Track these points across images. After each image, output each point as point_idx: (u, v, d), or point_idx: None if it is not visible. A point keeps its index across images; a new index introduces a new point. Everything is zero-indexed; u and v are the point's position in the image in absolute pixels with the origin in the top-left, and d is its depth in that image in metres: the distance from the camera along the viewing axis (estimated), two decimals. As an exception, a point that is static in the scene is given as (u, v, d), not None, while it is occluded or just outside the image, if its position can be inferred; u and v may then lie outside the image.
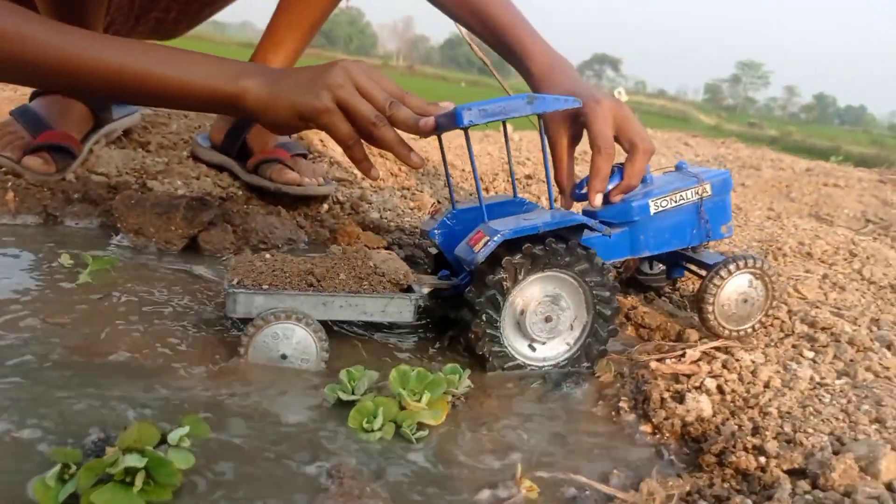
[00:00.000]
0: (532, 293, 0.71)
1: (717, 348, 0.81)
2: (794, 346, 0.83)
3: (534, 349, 0.74)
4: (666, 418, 0.64)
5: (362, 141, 0.75)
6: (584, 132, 0.85)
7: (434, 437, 0.59)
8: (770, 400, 0.68)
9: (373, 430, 0.58)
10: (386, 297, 0.70)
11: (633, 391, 0.70)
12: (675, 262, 0.89)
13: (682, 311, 0.91)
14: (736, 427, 0.63)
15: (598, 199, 0.81)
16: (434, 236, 0.81)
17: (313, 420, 0.59)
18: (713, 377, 0.72)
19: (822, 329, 0.86)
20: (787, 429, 0.62)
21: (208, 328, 0.74)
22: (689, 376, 0.72)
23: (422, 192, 1.36)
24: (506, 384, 0.70)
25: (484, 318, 0.70)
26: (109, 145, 1.30)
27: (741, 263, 0.78)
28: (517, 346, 0.73)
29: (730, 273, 0.78)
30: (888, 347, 0.83)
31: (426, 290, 0.75)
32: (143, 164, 1.26)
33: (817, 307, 0.95)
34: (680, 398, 0.67)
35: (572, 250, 0.70)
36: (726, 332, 0.80)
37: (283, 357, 0.67)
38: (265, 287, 0.67)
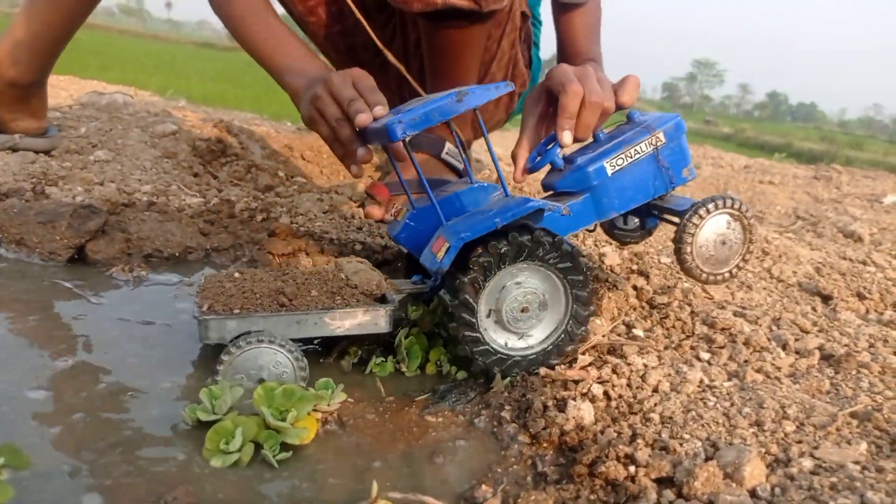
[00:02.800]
0: (505, 287, 0.70)
1: (612, 350, 0.80)
2: (691, 348, 0.83)
3: (515, 340, 0.72)
4: (544, 428, 0.63)
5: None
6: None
7: (298, 457, 0.57)
8: (655, 405, 0.67)
9: (230, 453, 0.55)
10: (360, 310, 0.68)
11: (517, 400, 0.68)
12: (648, 212, 0.87)
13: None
14: (615, 434, 0.62)
15: (566, 137, 0.80)
16: (400, 241, 0.80)
17: (166, 443, 0.56)
18: (601, 383, 0.71)
19: (721, 330, 0.86)
20: (665, 435, 0.61)
21: (68, 346, 0.70)
22: (577, 382, 0.71)
23: (342, 194, 1.33)
24: (388, 398, 0.68)
25: (460, 320, 0.68)
26: (7, 150, 1.23)
27: (719, 203, 0.76)
28: (498, 339, 0.72)
29: (708, 212, 0.76)
30: (783, 347, 0.83)
31: (399, 298, 0.73)
32: (46, 170, 1.21)
33: (722, 307, 0.95)
34: (562, 406, 0.66)
35: (538, 240, 0.68)
36: (704, 275, 0.79)
37: (261, 381, 0.63)
38: (236, 311, 0.65)
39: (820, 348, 0.83)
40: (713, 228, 0.77)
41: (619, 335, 0.84)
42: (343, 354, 0.76)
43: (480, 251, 0.67)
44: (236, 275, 0.72)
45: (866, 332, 0.88)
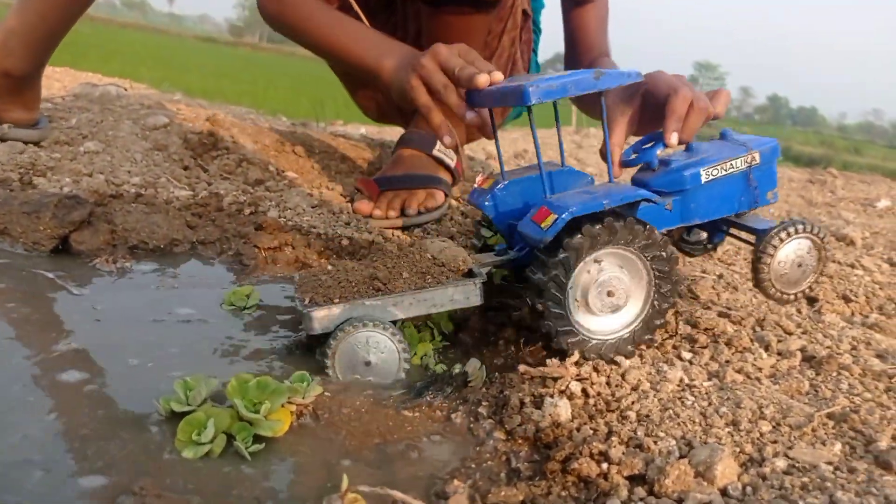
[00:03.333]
0: (594, 269, 0.72)
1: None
2: (674, 348, 0.83)
3: (598, 323, 0.74)
4: (520, 424, 0.63)
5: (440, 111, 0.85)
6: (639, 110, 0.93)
7: (270, 450, 0.56)
8: (632, 403, 0.67)
9: (202, 444, 0.54)
10: (451, 287, 0.72)
11: (495, 396, 0.68)
12: (717, 227, 0.89)
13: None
14: (590, 432, 0.61)
15: (673, 138, 0.83)
16: (484, 207, 0.82)
17: (139, 433, 0.56)
18: (579, 380, 0.71)
19: (705, 330, 0.86)
20: (640, 433, 0.61)
21: (44, 336, 0.70)
22: (556, 379, 0.71)
23: (332, 189, 1.33)
24: (364, 392, 0.68)
25: (549, 296, 0.70)
26: (-5, 140, 1.23)
27: (800, 228, 0.80)
28: (581, 321, 0.73)
29: (789, 236, 0.79)
30: (766, 348, 0.83)
31: (485, 271, 0.75)
32: (34, 160, 1.20)
33: (707, 308, 0.95)
34: (539, 403, 0.66)
35: (631, 226, 0.70)
36: (775, 292, 0.82)
37: (367, 364, 0.69)
38: (336, 300, 0.69)
39: (802, 350, 0.83)
40: (793, 250, 0.81)
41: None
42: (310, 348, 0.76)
43: (578, 231, 0.69)
44: (329, 268, 0.76)
45: (850, 334, 0.88)
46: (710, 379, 0.74)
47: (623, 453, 0.57)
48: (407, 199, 1.19)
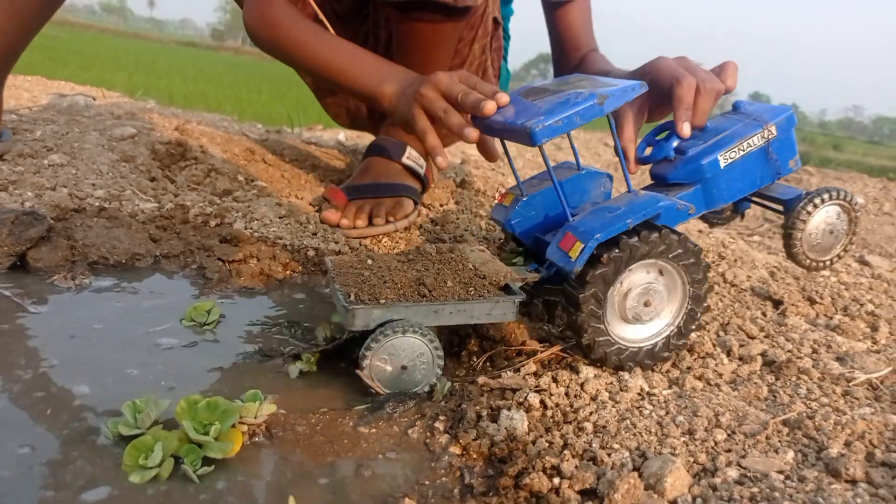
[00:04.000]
0: (631, 281, 0.73)
1: (559, 359, 0.80)
2: (636, 355, 0.83)
3: (634, 332, 0.76)
4: (475, 438, 0.62)
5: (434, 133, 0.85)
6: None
7: (220, 472, 0.56)
8: (590, 414, 0.66)
9: (149, 468, 0.54)
10: (492, 301, 0.72)
11: (453, 410, 0.68)
12: (742, 198, 0.89)
13: (530, 322, 0.89)
14: (546, 445, 0.61)
15: (686, 128, 0.84)
16: (509, 226, 0.84)
17: (87, 458, 0.55)
18: (538, 391, 0.70)
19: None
20: (595, 445, 0.61)
21: None
22: (515, 391, 0.71)
23: (301, 198, 1.32)
24: (322, 407, 0.67)
25: (588, 310, 0.71)
26: (-44, 155, 1.21)
27: (833, 194, 0.80)
28: (618, 331, 0.75)
29: (822, 202, 0.80)
30: (727, 353, 0.83)
31: (519, 285, 0.76)
32: (-4, 175, 1.18)
33: (672, 312, 0.95)
34: (496, 416, 0.65)
35: (666, 237, 0.71)
36: (808, 261, 0.83)
37: (403, 368, 0.69)
38: (382, 301, 0.70)
39: (763, 354, 0.83)
40: (823, 217, 0.81)
41: (566, 341, 0.83)
42: (295, 359, 0.75)
43: (615, 246, 0.70)
44: (369, 262, 0.76)
45: (811, 337, 0.89)
46: (670, 387, 0.74)
47: (576, 467, 0.57)
48: (375, 208, 1.18)
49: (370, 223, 1.17)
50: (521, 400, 0.69)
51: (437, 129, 0.85)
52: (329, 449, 0.61)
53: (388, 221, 1.17)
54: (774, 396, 0.73)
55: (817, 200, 0.80)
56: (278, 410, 0.65)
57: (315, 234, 1.13)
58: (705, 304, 0.76)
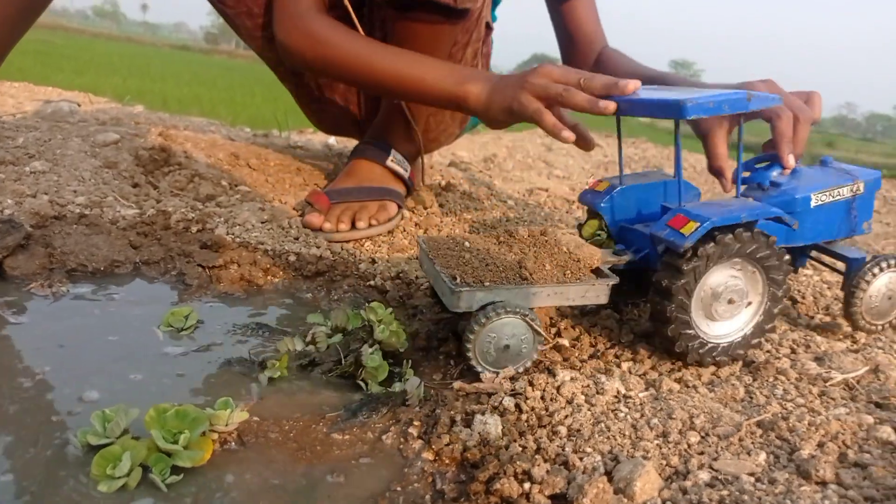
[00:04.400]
0: (718, 278, 0.76)
1: (537, 363, 0.80)
2: (615, 357, 0.83)
3: (714, 328, 0.78)
4: (448, 444, 0.62)
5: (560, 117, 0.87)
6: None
7: (189, 480, 0.55)
8: (565, 418, 0.66)
9: (116, 478, 0.53)
10: (587, 284, 0.76)
11: (427, 415, 0.68)
12: (802, 252, 0.92)
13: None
14: (519, 449, 0.61)
15: (791, 160, 0.89)
16: (600, 209, 0.87)
17: (57, 467, 0.55)
18: (513, 395, 0.70)
19: (647, 338, 0.86)
20: (568, 449, 0.61)
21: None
22: (490, 395, 0.71)
23: (284, 203, 1.32)
24: (296, 414, 0.67)
25: (677, 303, 0.74)
26: (-64, 162, 1.20)
27: (892, 262, 0.84)
28: (702, 325, 0.77)
29: (881, 270, 0.84)
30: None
31: (608, 268, 0.79)
32: (-24, 182, 1.18)
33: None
34: (470, 421, 0.65)
35: (757, 237, 0.74)
36: (863, 323, 0.86)
37: (506, 347, 0.73)
38: (486, 283, 0.73)
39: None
40: (885, 283, 0.85)
41: (545, 344, 0.83)
42: (263, 367, 0.75)
43: (710, 240, 0.72)
44: (467, 245, 0.80)
45: (791, 337, 0.89)
46: (647, 389, 0.74)
47: (547, 472, 0.56)
48: (358, 212, 1.18)
49: (353, 227, 1.16)
50: (496, 404, 0.69)
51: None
52: (301, 456, 0.61)
53: (371, 225, 1.17)
54: (751, 397, 0.73)
55: (883, 265, 0.84)
56: (251, 418, 0.64)
57: (297, 238, 1.13)
58: (781, 305, 0.79)
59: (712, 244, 0.72)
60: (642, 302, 0.96)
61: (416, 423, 0.66)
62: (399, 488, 0.57)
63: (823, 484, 0.55)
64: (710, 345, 0.77)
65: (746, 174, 0.93)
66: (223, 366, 0.76)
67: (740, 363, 0.81)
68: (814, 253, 0.95)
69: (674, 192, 0.86)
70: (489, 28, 1.39)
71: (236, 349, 0.80)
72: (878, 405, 0.71)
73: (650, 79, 1.22)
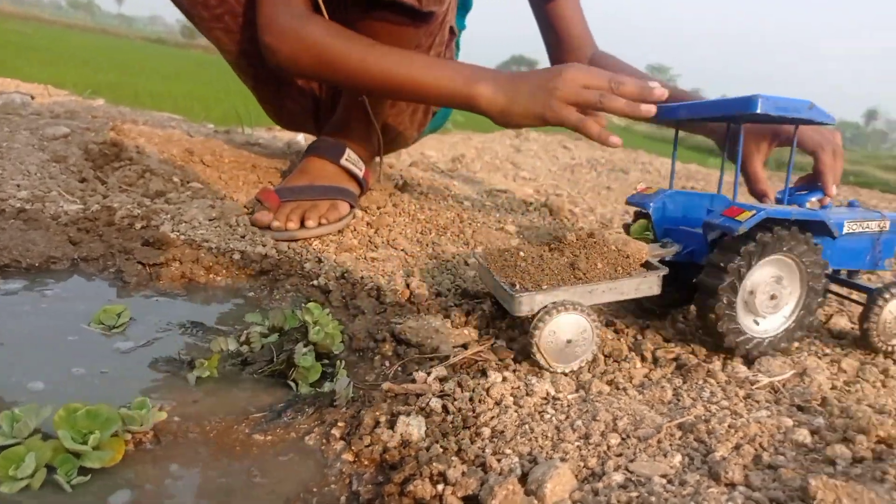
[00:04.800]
0: (761, 274, 0.80)
1: (472, 363, 0.80)
2: (551, 359, 0.83)
3: (757, 323, 0.83)
4: (368, 445, 0.62)
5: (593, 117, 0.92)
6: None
7: (97, 482, 0.54)
8: (491, 419, 0.66)
9: (18, 479, 0.52)
10: (639, 277, 0.80)
11: (352, 416, 0.67)
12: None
13: (449, 328, 0.89)
14: (440, 451, 0.61)
15: (834, 190, 1.01)
16: (650, 208, 0.91)
17: (-46, 470, 0.53)
18: (441, 396, 0.70)
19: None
20: (488, 451, 0.61)
21: None
22: (419, 396, 0.71)
23: (236, 200, 1.30)
24: (219, 414, 0.66)
25: (724, 301, 0.78)
26: None
27: None
28: (745, 322, 0.82)
29: (893, 295, 0.88)
30: (642, 358, 0.84)
31: (655, 260, 0.84)
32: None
33: (594, 316, 0.96)
34: (394, 422, 0.65)
35: (795, 235, 0.79)
36: (881, 344, 0.90)
37: (569, 342, 0.77)
38: (544, 287, 0.77)
39: (676, 358, 0.84)
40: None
41: (481, 346, 0.83)
42: (192, 366, 0.74)
43: (751, 240, 0.77)
44: (521, 253, 0.84)
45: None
46: (577, 390, 0.75)
47: (462, 473, 0.56)
48: (308, 211, 1.17)
49: (302, 225, 1.15)
50: (423, 405, 0.69)
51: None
52: (220, 456, 0.60)
53: (320, 224, 1.16)
54: (678, 399, 0.74)
55: (887, 294, 0.88)
56: (171, 418, 0.63)
57: (244, 236, 1.12)
58: (820, 299, 0.83)
59: (754, 243, 0.77)
60: (684, 305, 1.00)
61: (340, 424, 0.66)
62: (315, 489, 0.57)
63: (732, 486, 0.56)
64: (755, 340, 0.82)
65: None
66: (151, 365, 0.74)
67: (674, 365, 0.83)
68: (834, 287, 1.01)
69: (720, 203, 0.93)
70: (452, 33, 1.39)
71: (167, 348, 0.78)
72: (799, 408, 0.73)
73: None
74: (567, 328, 0.76)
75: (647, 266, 0.82)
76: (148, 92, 4.73)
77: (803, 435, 0.65)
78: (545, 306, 0.76)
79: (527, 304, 0.76)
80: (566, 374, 0.78)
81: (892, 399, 0.79)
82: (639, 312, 0.99)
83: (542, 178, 2.59)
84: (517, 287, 0.77)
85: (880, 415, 0.72)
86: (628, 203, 0.97)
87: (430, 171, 1.90)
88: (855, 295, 1.02)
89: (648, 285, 0.81)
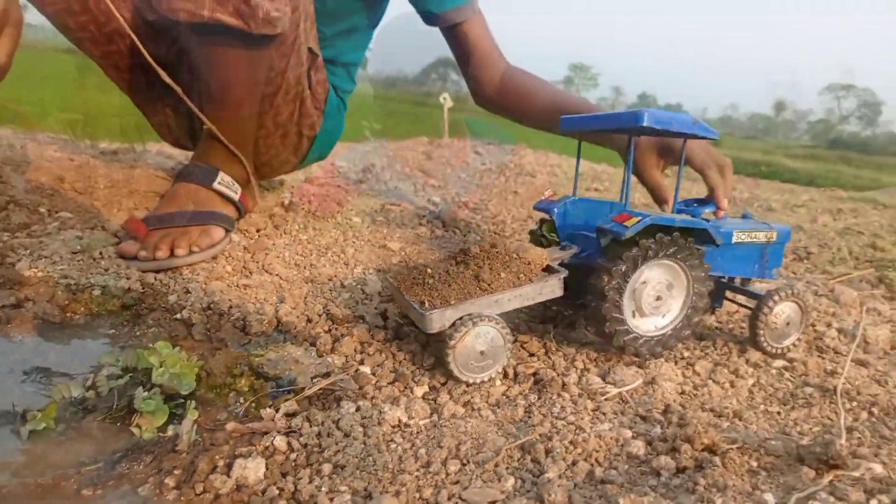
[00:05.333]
0: (647, 277, 0.85)
1: (328, 393, 0.79)
2: (414, 381, 0.83)
3: (646, 322, 0.87)
4: (201, 493, 0.60)
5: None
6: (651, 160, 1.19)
7: None
8: (335, 453, 0.66)
9: None
10: (541, 282, 0.83)
11: (191, 462, 0.65)
12: (720, 294, 1.03)
13: (309, 359, 0.88)
14: (276, 493, 0.60)
15: (726, 203, 1.07)
16: (553, 214, 0.96)
17: None
18: (288, 433, 0.69)
19: (441, 363, 0.88)
20: (324, 489, 0.60)
21: None
22: (265, 434, 0.70)
23: (106, 230, 1.25)
24: (48, 470, 0.63)
25: (611, 302, 0.82)
26: None
27: (789, 292, 0.95)
28: (633, 321, 0.86)
29: (780, 299, 0.94)
30: (504, 374, 0.86)
31: (555, 264, 0.87)
32: None
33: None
34: (232, 465, 0.64)
35: (677, 241, 0.83)
36: (769, 347, 0.95)
37: (482, 353, 0.80)
38: (452, 302, 0.79)
39: (535, 374, 0.86)
40: (781, 310, 0.95)
41: (346, 371, 0.83)
42: (24, 419, 0.70)
43: (634, 247, 0.82)
44: (429, 270, 0.86)
45: (585, 352, 0.93)
46: (430, 415, 0.75)
47: (289, 517, 0.56)
48: (178, 238, 1.14)
49: (172, 254, 1.12)
50: (267, 444, 0.67)
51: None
52: (38, 518, 0.57)
53: (192, 251, 1.13)
54: (529, 416, 0.75)
55: (776, 297, 0.94)
56: (-11, 479, 0.60)
57: (107, 270, 1.07)
58: (705, 300, 0.89)
59: (651, 240, 0.81)
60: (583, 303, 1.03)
61: (176, 471, 0.64)
62: (137, 547, 0.55)
63: (554, 507, 0.57)
64: (643, 339, 0.86)
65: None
66: (-19, 420, 0.70)
67: (532, 381, 0.84)
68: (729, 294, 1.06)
69: (618, 209, 0.95)
70: (314, 54, 1.37)
71: (1, 401, 0.74)
72: (642, 418, 0.75)
73: (553, 97, 1.35)
74: (479, 340, 0.79)
75: (549, 270, 0.86)
76: (57, 106, 4.48)
77: (638, 447, 0.67)
78: (455, 322, 0.78)
79: (437, 320, 0.78)
80: (473, 384, 0.82)
81: (738, 399, 0.84)
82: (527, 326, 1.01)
83: (450, 184, 2.61)
84: (426, 305, 0.79)
85: (718, 418, 0.76)
86: (535, 209, 1.00)
87: (325, 187, 1.88)
88: (746, 300, 1.07)
89: (551, 288, 0.84)
